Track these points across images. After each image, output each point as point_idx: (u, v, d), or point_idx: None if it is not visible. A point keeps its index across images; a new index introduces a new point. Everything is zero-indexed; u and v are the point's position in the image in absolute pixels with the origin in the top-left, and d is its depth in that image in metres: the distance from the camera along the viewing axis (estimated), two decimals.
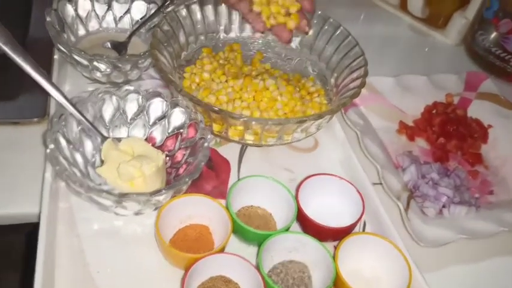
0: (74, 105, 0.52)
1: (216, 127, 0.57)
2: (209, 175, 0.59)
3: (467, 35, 0.89)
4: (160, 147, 0.57)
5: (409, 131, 0.69)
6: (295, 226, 0.54)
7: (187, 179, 0.48)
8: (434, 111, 0.71)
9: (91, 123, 0.53)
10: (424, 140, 0.69)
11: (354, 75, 0.61)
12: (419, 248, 0.53)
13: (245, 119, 0.51)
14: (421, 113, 0.72)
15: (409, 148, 0.67)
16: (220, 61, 0.67)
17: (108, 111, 0.56)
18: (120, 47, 0.69)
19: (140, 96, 0.57)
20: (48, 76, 0.51)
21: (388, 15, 0.98)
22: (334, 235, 0.52)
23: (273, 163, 0.62)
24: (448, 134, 0.67)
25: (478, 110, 0.73)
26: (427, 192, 0.59)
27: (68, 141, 0.51)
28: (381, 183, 0.60)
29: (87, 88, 0.66)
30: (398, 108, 0.72)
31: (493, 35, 0.81)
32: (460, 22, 0.89)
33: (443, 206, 0.58)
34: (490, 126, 0.71)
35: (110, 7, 0.71)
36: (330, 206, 0.55)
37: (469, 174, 0.65)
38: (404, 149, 0.67)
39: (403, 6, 0.95)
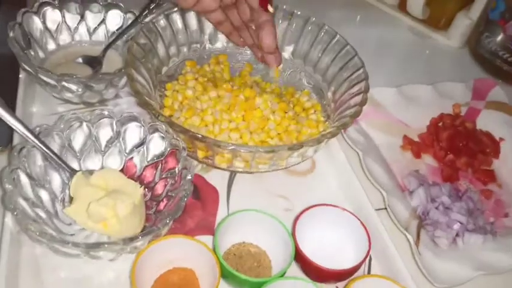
0: (36, 136, 0.45)
1: (200, 153, 0.51)
2: (194, 206, 0.53)
3: (472, 37, 0.83)
4: (139, 178, 0.51)
5: (415, 147, 0.63)
6: (293, 265, 0.47)
7: (167, 221, 0.42)
8: (440, 124, 0.65)
9: (58, 156, 0.46)
10: (431, 156, 0.63)
11: (354, 89, 0.55)
12: (433, 287, 0.47)
13: (233, 147, 0.45)
14: (426, 126, 0.66)
15: (416, 166, 0.61)
16: (206, 76, 0.61)
17: (78, 139, 0.50)
18: (94, 62, 0.63)
19: (114, 121, 0.51)
20: (2, 102, 0.44)
21: (385, 16, 0.91)
22: (337, 277, 0.46)
23: (266, 189, 0.56)
24: (457, 149, 0.62)
25: (487, 121, 0.67)
26: (438, 219, 0.53)
27: (31, 178, 0.45)
28: (385, 208, 0.54)
29: (58, 109, 0.60)
30: (401, 122, 0.66)
31: (500, 37, 0.76)
32: (463, 23, 0.83)
33: (457, 235, 0.52)
34: (502, 139, 0.65)
35: (82, 18, 0.65)
36: (331, 241, 0.49)
37: (482, 194, 0.59)
38: (410, 167, 0.61)
39: (402, 6, 0.88)
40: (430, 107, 0.67)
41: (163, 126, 0.50)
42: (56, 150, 0.47)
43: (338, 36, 0.60)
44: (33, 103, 0.60)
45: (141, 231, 0.46)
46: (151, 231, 0.41)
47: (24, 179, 0.44)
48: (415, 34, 0.89)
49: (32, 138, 0.45)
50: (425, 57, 0.85)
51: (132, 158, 0.51)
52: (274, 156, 0.48)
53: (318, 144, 0.48)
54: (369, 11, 0.92)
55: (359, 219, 0.48)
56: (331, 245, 0.49)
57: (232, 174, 0.56)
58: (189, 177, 0.46)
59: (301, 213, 0.48)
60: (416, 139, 0.64)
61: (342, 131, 0.58)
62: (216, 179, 0.56)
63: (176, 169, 0.48)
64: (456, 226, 0.52)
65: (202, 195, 0.54)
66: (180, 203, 0.44)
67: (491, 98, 0.69)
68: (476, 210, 0.56)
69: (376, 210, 0.52)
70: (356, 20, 0.91)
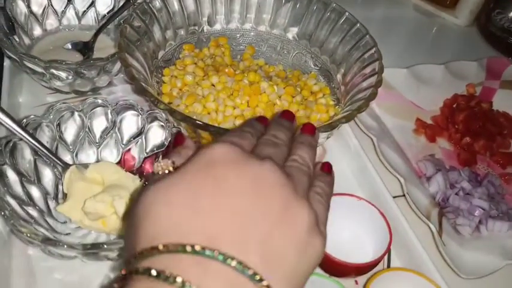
0: (23, 128, 0.41)
1: (204, 142, 0.47)
2: None
3: (481, 15, 0.79)
4: (138, 171, 0.47)
5: (429, 130, 0.59)
6: None
7: None
8: (455, 106, 0.61)
9: (48, 150, 0.42)
10: (446, 140, 0.59)
11: (367, 70, 0.51)
12: (459, 279, 0.44)
13: None
14: (440, 108, 0.62)
15: (430, 150, 0.58)
16: (206, 60, 0.57)
17: (70, 130, 0.46)
18: (84, 48, 0.58)
19: (109, 110, 0.47)
20: None
21: None
22: (357, 272, 0.42)
23: None
24: (474, 132, 0.58)
25: (504, 101, 0.64)
26: (459, 206, 0.50)
27: (20, 174, 0.41)
28: (403, 196, 0.50)
29: (47, 100, 0.56)
30: (414, 104, 0.62)
31: None
32: (471, 0, 0.79)
33: (480, 222, 0.49)
34: None
35: (70, 1, 0.60)
36: (347, 233, 0.46)
37: (501, 178, 0.56)
38: (424, 152, 0.57)
39: None
40: (442, 88, 0.64)
41: (163, 115, 0.46)
42: (46, 143, 0.43)
43: (347, 13, 0.56)
44: (19, 93, 0.56)
45: None
46: None
47: (12, 175, 0.40)
48: (421, 13, 0.85)
49: (19, 130, 0.41)
50: (433, 37, 0.82)
51: (129, 149, 0.47)
52: None
53: (331, 130, 0.44)
54: None
55: (377, 209, 0.45)
56: (348, 236, 0.45)
57: None
58: None
59: None
60: (429, 122, 0.61)
61: None
62: None
63: None
64: (478, 212, 0.49)
65: None
66: None
67: (506, 77, 0.66)
68: (497, 195, 0.53)
69: (393, 198, 0.49)
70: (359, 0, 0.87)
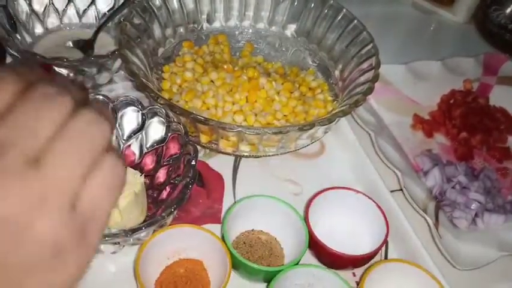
0: None
1: (204, 137, 0.48)
2: (199, 194, 0.50)
3: (478, 12, 0.80)
4: (138, 166, 0.48)
5: (426, 125, 0.60)
6: (306, 253, 0.45)
7: (172, 209, 0.39)
8: (452, 101, 0.62)
9: None
10: (443, 135, 0.60)
11: (364, 65, 0.51)
12: (455, 270, 0.44)
13: (239, 129, 0.42)
14: (437, 103, 0.63)
15: (427, 146, 0.58)
16: (205, 57, 0.57)
17: None
18: (85, 46, 0.59)
19: (110, 106, 0.47)
20: None
21: None
22: (355, 263, 0.43)
23: (274, 174, 0.53)
24: (471, 127, 0.59)
25: (500, 97, 0.64)
26: (456, 199, 0.51)
27: None
28: (400, 190, 0.51)
29: None
30: (411, 100, 0.63)
31: (510, 9, 0.73)
32: None
33: (476, 215, 0.50)
34: None
35: None
36: (345, 226, 0.46)
37: (497, 172, 0.57)
38: (422, 147, 0.58)
39: None
40: (440, 84, 0.64)
41: (163, 110, 0.46)
42: None
43: (344, 10, 0.56)
44: None
45: (143, 221, 0.43)
46: (156, 221, 0.38)
47: None
48: (419, 10, 0.85)
49: None
50: (430, 34, 0.82)
51: (130, 144, 0.48)
52: (283, 138, 0.45)
53: (329, 124, 0.45)
54: None
55: (375, 202, 0.45)
56: (346, 229, 0.46)
57: (237, 159, 0.53)
58: (193, 162, 0.43)
59: (314, 197, 0.45)
60: (427, 117, 0.62)
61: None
62: (220, 164, 0.53)
63: (178, 155, 0.45)
64: (474, 206, 0.50)
65: (206, 181, 0.51)
66: (185, 190, 0.41)
67: (502, 73, 0.67)
68: (493, 189, 0.53)
69: (390, 192, 0.49)
70: None
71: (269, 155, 0.50)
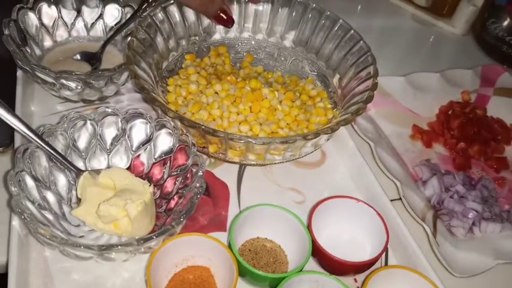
0: (40, 137, 0.44)
1: (212, 148, 0.49)
2: (205, 203, 0.51)
3: (477, 24, 0.82)
4: (147, 176, 0.49)
5: (425, 136, 0.62)
6: (310, 259, 0.46)
7: (181, 219, 0.41)
8: (450, 112, 0.64)
9: (63, 157, 0.45)
10: (441, 145, 0.62)
11: (362, 74, 0.53)
12: (453, 277, 0.46)
13: (248, 140, 0.44)
14: (435, 114, 0.65)
15: (426, 156, 0.60)
16: (208, 69, 0.59)
17: (82, 138, 0.48)
18: (93, 59, 0.61)
19: (119, 119, 0.49)
20: (3, 103, 0.43)
21: (387, 5, 0.90)
22: (356, 270, 0.45)
23: (277, 183, 0.54)
24: (469, 137, 0.60)
25: (498, 108, 0.66)
26: (453, 208, 0.52)
27: (37, 180, 0.43)
28: (399, 199, 0.53)
29: (57, 108, 0.58)
30: (410, 111, 0.64)
31: (507, 22, 0.74)
32: (467, 10, 0.82)
33: (473, 224, 0.51)
34: None
35: (79, 13, 0.63)
36: (347, 233, 0.48)
37: (495, 182, 0.58)
38: (421, 157, 0.60)
39: None
40: (438, 95, 0.66)
41: (171, 122, 0.48)
42: (60, 151, 0.45)
43: (341, 21, 0.58)
44: (32, 102, 0.58)
45: (152, 230, 0.45)
46: (166, 230, 0.39)
47: (29, 181, 0.42)
48: (418, 22, 0.87)
49: (36, 139, 0.43)
50: (430, 45, 0.84)
51: (139, 155, 0.50)
52: (289, 147, 0.47)
53: (332, 133, 0.47)
54: (370, 0, 0.91)
55: (375, 210, 0.47)
56: (347, 237, 0.48)
57: (241, 168, 0.55)
58: (200, 173, 0.44)
59: (316, 205, 0.47)
60: (425, 128, 0.63)
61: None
62: (225, 173, 0.54)
63: (187, 165, 0.46)
64: (471, 215, 0.51)
65: (212, 190, 0.53)
66: (193, 199, 0.42)
67: (500, 85, 0.68)
68: (491, 198, 0.55)
69: (390, 201, 0.51)
70: (357, 9, 0.89)
71: (275, 163, 0.52)
